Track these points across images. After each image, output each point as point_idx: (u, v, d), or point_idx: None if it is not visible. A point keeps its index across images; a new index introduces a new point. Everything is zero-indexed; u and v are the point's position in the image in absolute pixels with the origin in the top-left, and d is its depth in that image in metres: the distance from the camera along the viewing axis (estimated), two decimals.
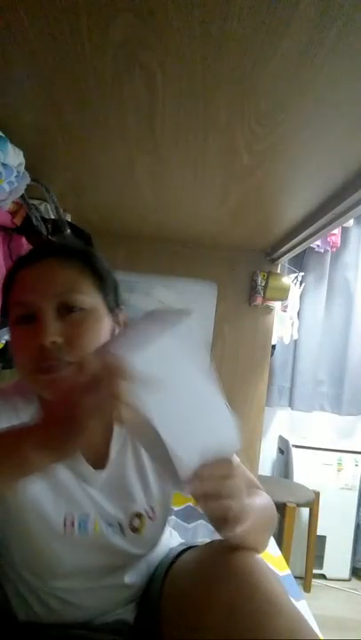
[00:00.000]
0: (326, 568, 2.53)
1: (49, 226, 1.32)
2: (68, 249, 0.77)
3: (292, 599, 0.67)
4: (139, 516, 0.78)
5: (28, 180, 1.09)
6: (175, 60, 0.71)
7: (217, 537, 0.84)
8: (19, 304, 0.71)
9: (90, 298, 0.72)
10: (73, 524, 0.73)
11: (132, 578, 0.81)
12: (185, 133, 0.97)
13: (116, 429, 0.79)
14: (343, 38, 0.63)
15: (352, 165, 1.04)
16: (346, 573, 2.54)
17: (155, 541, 0.83)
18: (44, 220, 1.31)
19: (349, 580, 2.55)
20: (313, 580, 2.40)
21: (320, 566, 2.51)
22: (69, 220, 1.50)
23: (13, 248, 1.25)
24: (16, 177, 1.03)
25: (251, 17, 0.60)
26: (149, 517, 0.79)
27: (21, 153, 1.01)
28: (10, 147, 0.97)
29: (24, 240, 1.28)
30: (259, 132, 0.93)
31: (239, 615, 0.64)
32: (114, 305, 0.76)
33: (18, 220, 1.23)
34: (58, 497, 0.73)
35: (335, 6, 0.57)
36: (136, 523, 0.78)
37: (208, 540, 0.82)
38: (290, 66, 0.70)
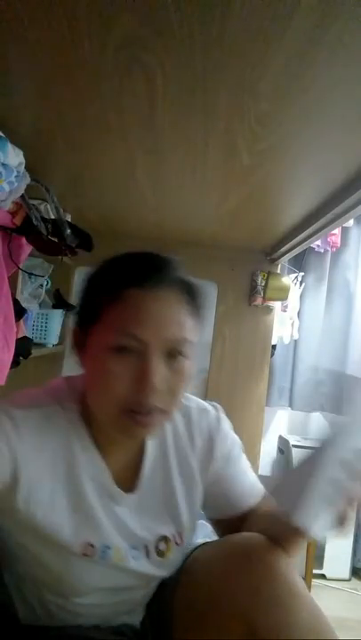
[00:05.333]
0: (326, 568, 2.53)
1: (49, 226, 1.32)
2: (185, 281, 0.69)
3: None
4: (165, 540, 0.76)
5: (27, 180, 1.09)
6: (175, 61, 0.71)
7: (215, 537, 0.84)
8: (128, 335, 0.63)
9: (193, 344, 0.68)
10: (93, 550, 0.70)
11: (147, 592, 0.81)
12: (185, 134, 0.97)
13: (148, 453, 0.77)
14: (343, 38, 0.62)
15: (352, 165, 1.04)
16: (346, 573, 2.54)
17: (178, 564, 0.80)
18: (44, 220, 1.30)
19: (349, 580, 2.55)
20: (313, 579, 2.40)
21: (320, 566, 2.51)
22: (69, 219, 1.49)
23: (13, 248, 1.25)
24: (16, 177, 1.03)
25: (251, 17, 0.60)
26: (176, 542, 0.77)
27: (21, 153, 1.01)
28: (10, 147, 0.97)
29: (24, 240, 1.28)
30: (259, 132, 0.92)
31: (261, 604, 0.64)
32: None
33: (18, 220, 1.23)
34: (82, 522, 0.69)
35: (335, 6, 0.57)
36: (162, 547, 0.76)
37: (208, 540, 0.82)
38: (290, 66, 0.70)
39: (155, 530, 0.75)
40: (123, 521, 0.73)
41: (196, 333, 0.69)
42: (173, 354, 0.65)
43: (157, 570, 0.76)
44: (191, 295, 0.69)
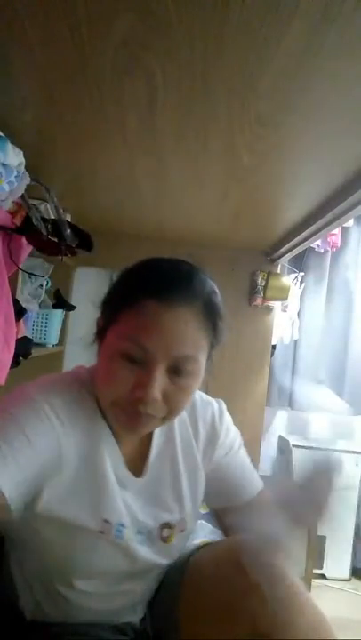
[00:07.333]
0: (326, 568, 2.53)
1: (49, 226, 1.32)
2: (207, 298, 0.69)
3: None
4: (169, 526, 0.77)
5: (27, 180, 1.09)
6: (175, 60, 0.71)
7: (216, 537, 0.84)
8: (137, 345, 0.65)
9: (201, 362, 0.68)
10: (109, 528, 0.72)
11: (147, 584, 0.81)
12: (185, 133, 0.97)
13: (156, 438, 0.79)
14: (343, 38, 0.63)
15: (352, 165, 1.04)
16: (346, 573, 2.54)
17: (180, 551, 0.82)
18: (44, 220, 1.31)
19: (349, 580, 2.54)
20: (313, 579, 2.40)
21: (320, 566, 2.51)
22: (69, 219, 1.49)
23: (13, 248, 1.25)
24: (16, 177, 1.03)
25: (251, 17, 0.60)
26: (179, 529, 0.78)
27: (21, 153, 1.01)
28: (10, 147, 0.97)
29: (24, 240, 1.28)
30: (259, 132, 0.93)
31: (264, 605, 0.65)
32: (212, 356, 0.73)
33: (18, 220, 1.23)
34: (98, 501, 0.71)
35: (335, 6, 0.57)
36: (166, 533, 0.77)
37: (208, 540, 0.82)
38: (290, 66, 0.70)
39: (159, 516, 0.77)
40: (130, 506, 0.74)
41: (209, 351, 0.70)
42: (179, 369, 0.66)
43: (160, 556, 0.77)
44: (210, 313, 0.69)
